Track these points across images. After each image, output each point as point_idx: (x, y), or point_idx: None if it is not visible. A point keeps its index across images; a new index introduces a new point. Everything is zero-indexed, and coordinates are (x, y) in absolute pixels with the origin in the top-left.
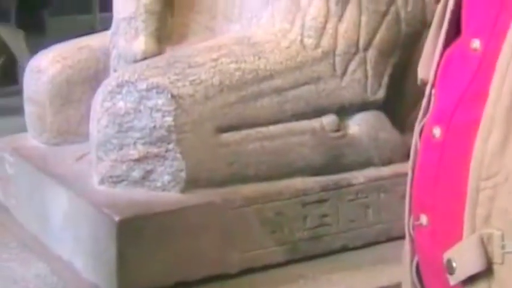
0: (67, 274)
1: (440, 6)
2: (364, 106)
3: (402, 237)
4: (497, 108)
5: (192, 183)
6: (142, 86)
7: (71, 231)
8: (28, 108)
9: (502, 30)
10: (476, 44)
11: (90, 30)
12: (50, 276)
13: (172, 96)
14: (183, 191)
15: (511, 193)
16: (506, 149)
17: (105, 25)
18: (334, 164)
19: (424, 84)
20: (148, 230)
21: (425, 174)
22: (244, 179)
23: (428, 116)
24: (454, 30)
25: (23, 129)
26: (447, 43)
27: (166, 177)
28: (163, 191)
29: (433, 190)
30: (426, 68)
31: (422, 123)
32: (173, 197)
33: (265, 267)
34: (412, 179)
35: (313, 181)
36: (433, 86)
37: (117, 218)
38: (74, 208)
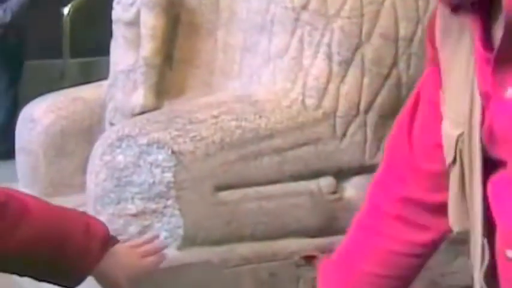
0: None
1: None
2: (361, 169)
3: None
4: None
5: (189, 241)
6: (143, 140)
7: None
8: (20, 157)
9: None
10: None
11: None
12: None
13: (173, 152)
14: (180, 248)
15: None
16: None
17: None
18: (329, 226)
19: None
20: (146, 286)
21: None
22: (241, 238)
23: (485, 263)
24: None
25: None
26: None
27: (164, 234)
28: None
29: None
30: (461, 219)
31: (483, 271)
32: (170, 253)
33: None
34: None
35: (308, 243)
36: (484, 235)
37: None
38: None
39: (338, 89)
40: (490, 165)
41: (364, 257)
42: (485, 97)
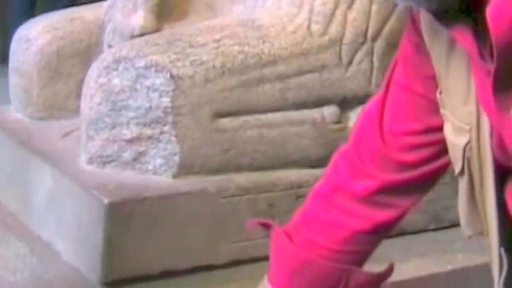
0: (47, 256)
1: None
2: (367, 99)
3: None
4: None
5: (185, 169)
6: (141, 63)
7: (53, 212)
8: (13, 79)
9: None
10: None
11: None
12: (29, 256)
13: (172, 76)
14: (175, 176)
15: None
16: None
17: None
18: (331, 157)
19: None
20: (137, 215)
21: None
22: (239, 168)
23: (504, 272)
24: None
25: (5, 100)
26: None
27: (159, 161)
28: (154, 174)
29: None
30: (472, 224)
31: (502, 279)
32: (165, 182)
33: (255, 260)
34: None
35: (309, 174)
36: (501, 245)
37: (106, 201)
38: (58, 188)
39: (345, 15)
40: (501, 172)
41: (323, 232)
42: (489, 112)
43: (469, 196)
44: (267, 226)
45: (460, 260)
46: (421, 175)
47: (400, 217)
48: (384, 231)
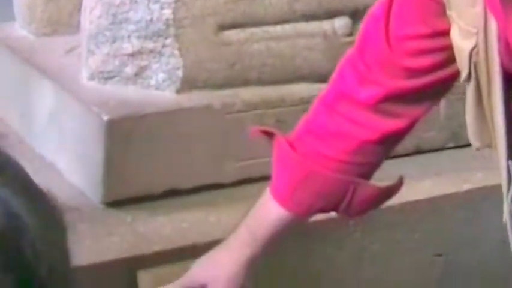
0: (49, 175)
1: (475, 65)
2: None
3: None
4: None
5: (188, 83)
6: None
7: (55, 130)
8: None
9: None
10: None
11: None
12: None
13: None
14: (179, 91)
15: None
16: None
17: None
18: None
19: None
20: (139, 132)
21: None
22: (245, 82)
23: None
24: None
25: (10, 17)
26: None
27: (161, 75)
28: (157, 89)
29: None
30: (480, 136)
31: (510, 194)
32: (167, 97)
33: (263, 178)
34: None
35: (318, 88)
36: (509, 157)
37: (105, 118)
38: (59, 104)
39: None
40: (508, 78)
41: (328, 142)
42: (496, 15)
43: (476, 104)
44: (270, 135)
45: (478, 178)
46: (428, 83)
47: (408, 128)
48: (391, 142)
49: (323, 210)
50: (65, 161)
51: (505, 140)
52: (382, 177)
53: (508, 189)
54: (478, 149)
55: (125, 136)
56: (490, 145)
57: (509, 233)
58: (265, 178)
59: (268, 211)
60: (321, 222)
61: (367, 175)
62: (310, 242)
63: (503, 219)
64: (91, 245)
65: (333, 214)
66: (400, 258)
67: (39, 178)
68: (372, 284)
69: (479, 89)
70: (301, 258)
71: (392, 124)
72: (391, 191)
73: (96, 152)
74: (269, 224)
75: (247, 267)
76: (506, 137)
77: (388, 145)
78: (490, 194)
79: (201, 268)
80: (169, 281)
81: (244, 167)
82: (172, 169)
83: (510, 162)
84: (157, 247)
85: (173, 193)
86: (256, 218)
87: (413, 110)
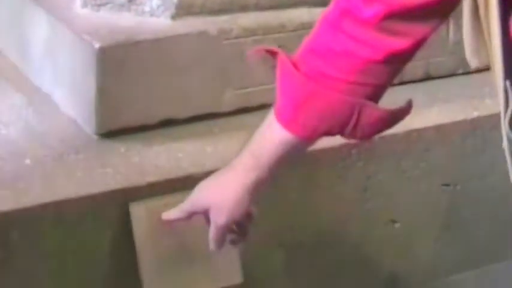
0: (44, 107)
1: None
2: None
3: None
4: None
5: (184, 9)
6: None
7: (50, 60)
8: None
9: None
10: None
11: None
12: (25, 108)
13: None
14: (174, 17)
15: None
16: None
17: None
18: None
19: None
20: (132, 60)
21: None
22: (244, 7)
23: (510, 109)
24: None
25: None
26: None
27: (156, 1)
28: (151, 16)
29: None
30: (478, 53)
31: (508, 117)
32: (162, 23)
33: (262, 107)
34: None
35: (320, 13)
36: (506, 78)
37: (97, 45)
38: (53, 34)
39: None
40: None
41: (332, 61)
42: None
43: (473, 19)
44: (272, 55)
45: (488, 105)
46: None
47: (413, 48)
48: (397, 62)
49: (328, 133)
50: (60, 93)
51: (501, 59)
52: (390, 104)
53: (506, 111)
54: (476, 68)
55: (117, 64)
56: (487, 64)
57: (508, 158)
58: (264, 106)
59: (271, 134)
60: (322, 151)
61: (373, 97)
62: (311, 173)
63: (503, 144)
64: (83, 176)
65: (334, 143)
66: (406, 188)
67: (36, 110)
68: (377, 216)
69: (476, 3)
70: (301, 190)
71: (397, 43)
72: (399, 114)
73: (88, 82)
74: (273, 148)
75: (252, 192)
76: (502, 56)
77: (393, 66)
78: (500, 122)
79: (204, 192)
80: (161, 213)
81: (242, 96)
82: (167, 98)
83: (508, 82)
84: (151, 178)
85: (169, 123)
86: (259, 142)
87: (418, 29)
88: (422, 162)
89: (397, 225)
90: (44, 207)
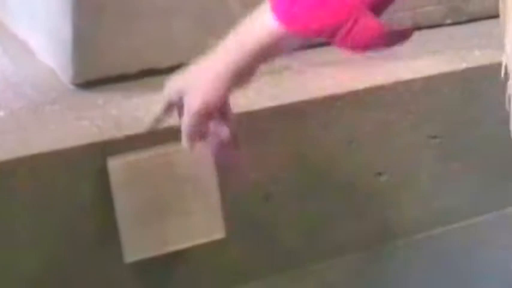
0: (20, 55)
1: None
2: None
3: None
4: None
5: None
6: None
7: (26, 5)
8: None
9: None
10: None
11: None
12: (1, 57)
13: None
14: None
15: None
16: None
17: None
18: None
19: None
20: (111, 5)
21: None
22: None
23: None
24: None
25: None
26: None
27: None
28: None
29: None
30: None
31: None
32: None
33: None
34: None
35: None
36: None
37: None
38: None
39: None
40: None
41: None
42: None
43: None
44: None
45: (477, 56)
46: None
47: None
48: None
49: (319, 33)
50: (36, 39)
51: None
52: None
53: None
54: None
55: (95, 9)
56: None
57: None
58: None
59: (261, 23)
60: (307, 102)
61: (373, 9)
62: (296, 124)
63: (507, 94)
64: (57, 129)
65: (319, 94)
66: (393, 140)
67: (12, 59)
68: (363, 168)
69: None
70: (286, 141)
71: None
72: (396, 35)
73: (64, 28)
74: (259, 37)
75: (230, 78)
76: None
77: None
78: (489, 73)
79: (184, 74)
80: (143, 169)
81: None
82: (149, 46)
83: None
84: (129, 131)
85: (150, 73)
86: (247, 29)
87: None
88: (410, 114)
89: (383, 177)
90: (18, 161)
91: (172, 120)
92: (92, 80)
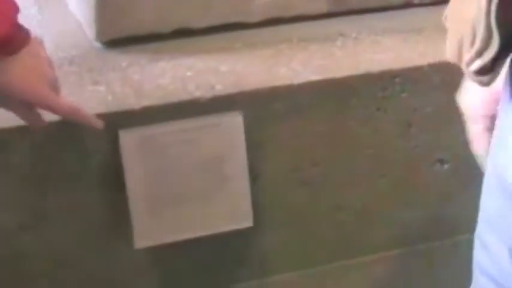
0: (52, 6)
1: None
2: None
3: None
4: None
5: None
6: None
7: None
8: None
9: None
10: None
11: None
12: (30, 6)
13: None
14: None
15: None
16: None
17: None
18: None
19: None
20: None
21: None
22: None
23: None
24: None
25: None
26: None
27: None
28: None
29: None
30: None
31: None
32: None
33: (296, 19)
34: None
35: None
36: None
37: None
38: None
39: None
40: None
41: None
42: None
43: None
44: None
45: None
46: None
47: None
48: None
49: None
50: None
51: None
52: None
53: None
54: None
55: None
56: None
57: None
58: (300, 18)
59: None
60: (358, 78)
61: None
62: (342, 101)
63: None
64: (69, 95)
65: (373, 69)
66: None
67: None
68: (422, 155)
69: None
70: (330, 121)
71: None
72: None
73: None
74: None
75: None
76: None
77: None
78: None
79: None
80: (160, 145)
81: (274, 4)
82: (183, 3)
83: None
84: (148, 101)
85: (183, 33)
86: None
87: None
88: None
89: (445, 166)
90: (21, 130)
91: (198, 92)
92: (118, 39)
